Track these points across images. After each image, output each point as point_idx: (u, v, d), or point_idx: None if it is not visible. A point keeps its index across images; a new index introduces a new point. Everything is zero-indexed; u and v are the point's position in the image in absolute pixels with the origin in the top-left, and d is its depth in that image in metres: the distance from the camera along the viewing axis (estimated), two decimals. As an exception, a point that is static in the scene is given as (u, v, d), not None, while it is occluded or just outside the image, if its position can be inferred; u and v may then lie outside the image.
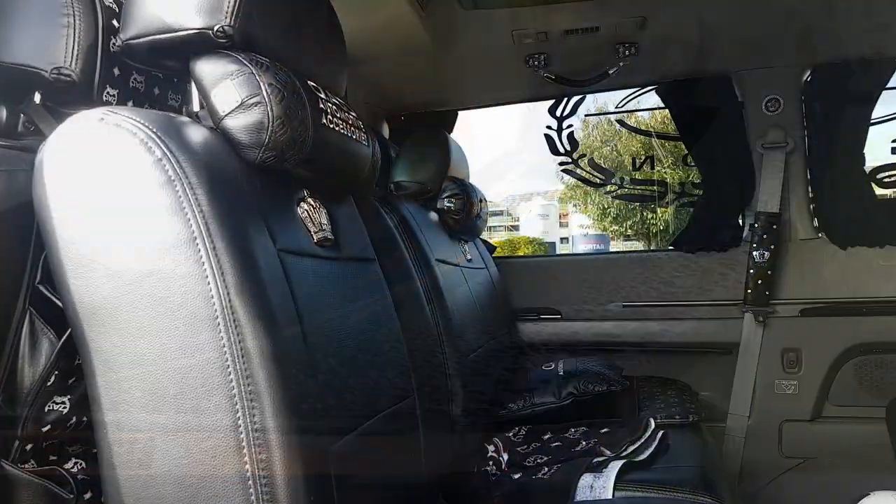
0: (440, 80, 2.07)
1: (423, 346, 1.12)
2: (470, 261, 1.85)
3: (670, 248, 2.11)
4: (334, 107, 0.86)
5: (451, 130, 2.23)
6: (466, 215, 1.74)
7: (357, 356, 0.84)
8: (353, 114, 0.92)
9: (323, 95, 0.84)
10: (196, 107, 0.89)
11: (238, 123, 0.73)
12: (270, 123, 0.73)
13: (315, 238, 0.83)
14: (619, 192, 2.33)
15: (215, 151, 0.70)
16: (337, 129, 0.84)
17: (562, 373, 1.65)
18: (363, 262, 0.98)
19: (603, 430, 1.44)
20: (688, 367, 2.05)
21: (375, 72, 1.95)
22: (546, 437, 1.48)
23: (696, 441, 1.45)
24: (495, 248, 2.34)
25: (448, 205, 1.72)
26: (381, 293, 0.99)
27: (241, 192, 0.71)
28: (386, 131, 2.25)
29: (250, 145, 0.73)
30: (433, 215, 1.70)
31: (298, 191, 0.84)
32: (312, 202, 0.85)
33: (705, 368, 2.06)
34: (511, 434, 1.50)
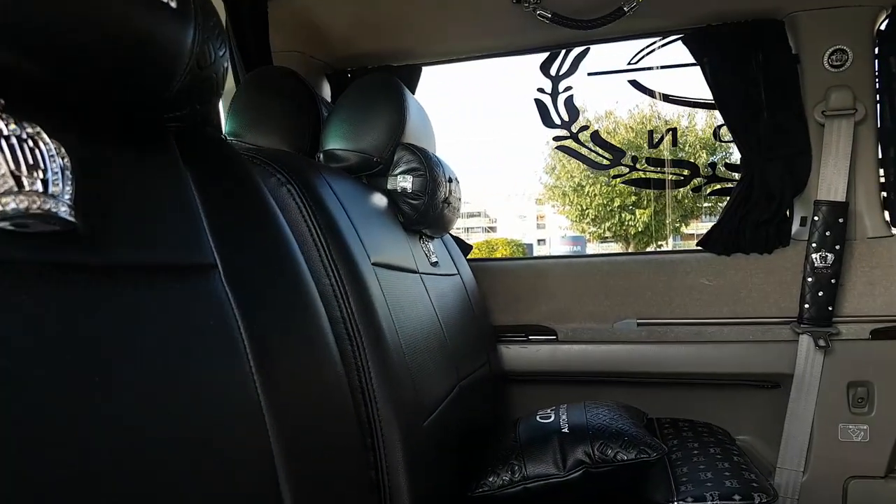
0: (399, 23, 1.56)
1: (325, 432, 0.57)
2: (436, 265, 1.31)
3: (697, 248, 1.63)
4: None
5: (413, 91, 1.70)
6: (430, 199, 1.19)
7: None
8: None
9: None
10: None
11: None
12: None
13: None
14: (629, 175, 1.82)
15: None
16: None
17: (566, 428, 1.13)
18: (178, 274, 0.44)
19: (636, 532, 0.92)
20: (722, 406, 1.59)
21: (313, 11, 1.49)
22: (547, 537, 0.96)
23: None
24: (471, 247, 1.81)
25: (402, 184, 1.17)
26: (223, 339, 0.45)
27: None
28: (327, 92, 1.72)
29: None
30: (380, 199, 1.15)
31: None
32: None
33: (745, 406, 1.60)
34: (492, 532, 0.98)
